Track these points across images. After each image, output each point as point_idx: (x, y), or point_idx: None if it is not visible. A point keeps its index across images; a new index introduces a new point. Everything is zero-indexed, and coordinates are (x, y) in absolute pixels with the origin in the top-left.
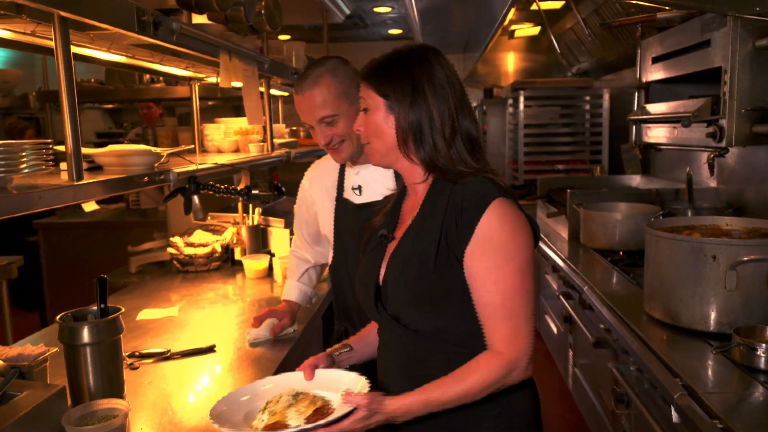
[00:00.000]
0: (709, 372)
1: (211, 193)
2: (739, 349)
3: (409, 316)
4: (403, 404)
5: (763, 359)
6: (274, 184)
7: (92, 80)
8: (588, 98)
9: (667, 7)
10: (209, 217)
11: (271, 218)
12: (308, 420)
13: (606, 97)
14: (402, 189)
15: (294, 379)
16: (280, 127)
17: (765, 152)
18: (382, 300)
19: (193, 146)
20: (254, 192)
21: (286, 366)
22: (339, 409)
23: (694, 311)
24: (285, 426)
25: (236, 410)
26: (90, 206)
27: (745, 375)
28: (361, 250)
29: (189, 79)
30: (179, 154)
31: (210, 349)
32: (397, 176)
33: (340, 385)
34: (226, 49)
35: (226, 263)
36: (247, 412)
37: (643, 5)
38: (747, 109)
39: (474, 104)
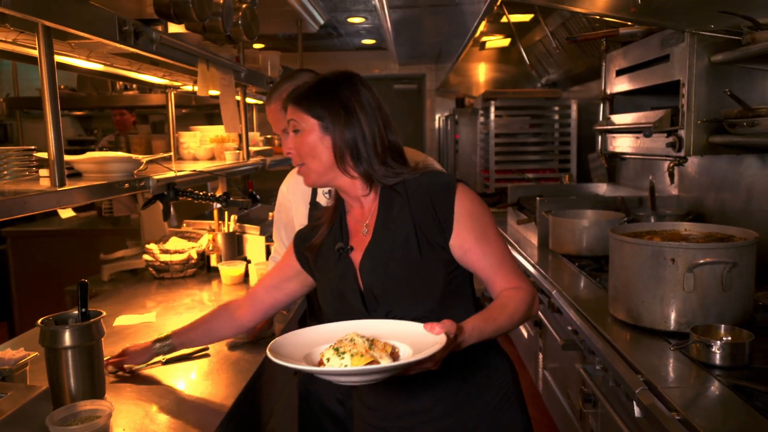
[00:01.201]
0: (669, 368)
1: (190, 199)
2: (696, 346)
3: (404, 308)
4: (468, 326)
5: (717, 355)
6: (248, 192)
7: (62, 87)
8: (557, 108)
9: (629, 23)
10: (184, 224)
11: (246, 225)
12: (393, 358)
13: (574, 107)
14: (338, 204)
15: (348, 327)
16: (255, 135)
17: (723, 162)
18: (367, 305)
19: (170, 154)
20: (232, 199)
21: (265, 369)
22: (417, 347)
23: (655, 312)
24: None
25: (296, 355)
26: (66, 213)
27: (701, 370)
28: (311, 269)
29: (165, 87)
30: (158, 162)
31: (204, 353)
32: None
33: (391, 333)
34: (204, 58)
35: (201, 270)
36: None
37: (607, 20)
38: (703, 120)
39: (446, 114)
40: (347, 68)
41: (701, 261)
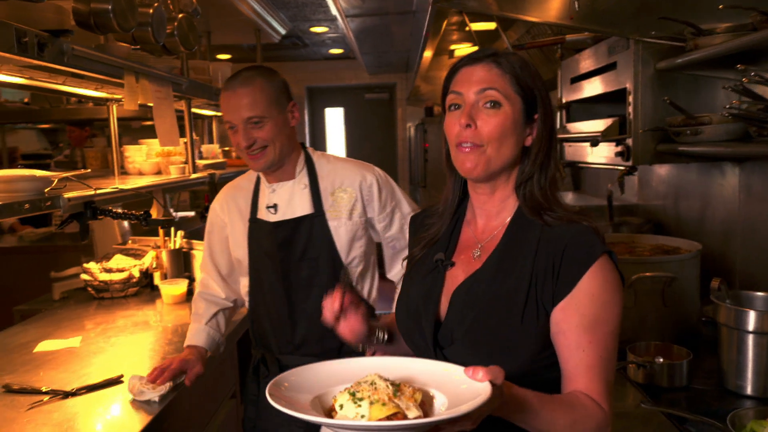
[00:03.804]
0: None
1: (109, 218)
2: (632, 366)
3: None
4: (518, 393)
5: (654, 377)
6: (205, 206)
7: (26, 100)
8: None
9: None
10: (130, 241)
11: (194, 241)
12: (423, 409)
13: None
14: (457, 208)
15: (367, 365)
16: (214, 148)
17: (681, 170)
18: (438, 338)
19: (88, 170)
20: (154, 217)
21: (174, 406)
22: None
23: None
24: (405, 417)
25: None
26: None
27: (637, 393)
28: (406, 268)
29: (105, 101)
30: (83, 178)
31: (117, 381)
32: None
33: (429, 376)
34: (131, 70)
35: (145, 288)
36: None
37: (561, 28)
38: (646, 129)
39: (417, 123)
40: (316, 78)
41: (639, 275)
